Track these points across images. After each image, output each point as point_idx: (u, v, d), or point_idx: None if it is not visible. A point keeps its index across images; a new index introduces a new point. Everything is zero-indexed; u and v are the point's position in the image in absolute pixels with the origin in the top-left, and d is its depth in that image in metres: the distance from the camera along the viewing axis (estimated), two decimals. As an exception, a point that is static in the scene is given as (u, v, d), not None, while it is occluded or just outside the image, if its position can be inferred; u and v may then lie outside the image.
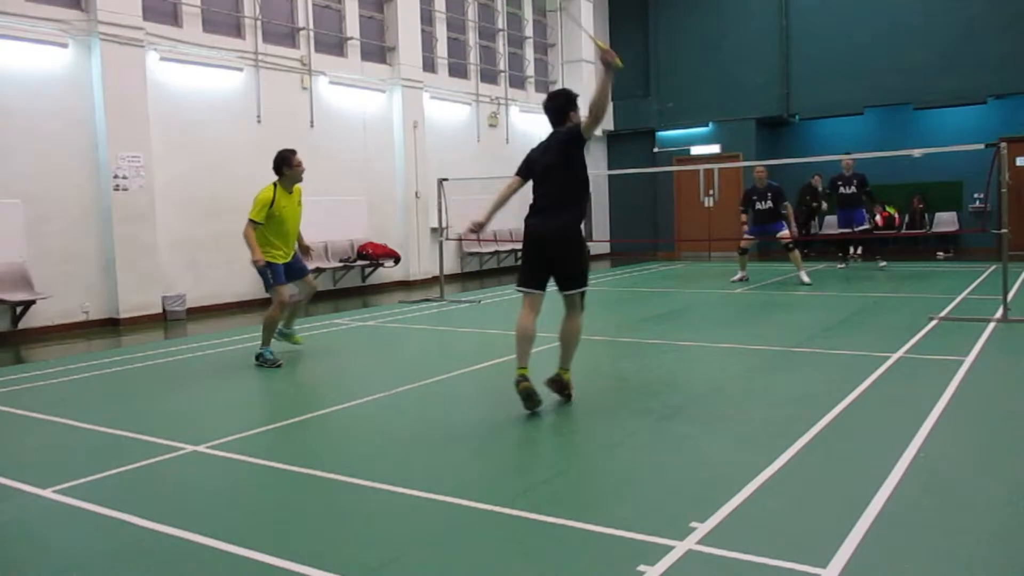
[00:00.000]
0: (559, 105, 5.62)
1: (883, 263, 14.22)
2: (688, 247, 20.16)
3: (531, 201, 5.58)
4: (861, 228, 14.14)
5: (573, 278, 5.49)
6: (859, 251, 15.34)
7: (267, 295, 7.66)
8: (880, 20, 17.60)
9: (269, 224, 7.27)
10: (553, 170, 5.50)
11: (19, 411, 5.90)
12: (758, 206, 12.62)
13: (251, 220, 7.23)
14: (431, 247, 15.10)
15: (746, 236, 13.05)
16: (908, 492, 3.67)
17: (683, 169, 19.21)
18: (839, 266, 14.72)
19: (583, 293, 5.61)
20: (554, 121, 5.65)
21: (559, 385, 5.56)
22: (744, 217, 13.10)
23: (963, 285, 11.39)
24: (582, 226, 5.66)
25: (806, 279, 12.22)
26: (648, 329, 8.59)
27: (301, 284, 7.79)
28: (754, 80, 19.11)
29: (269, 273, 7.33)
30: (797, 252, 12.59)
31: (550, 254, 5.43)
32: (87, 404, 6.26)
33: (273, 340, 7.55)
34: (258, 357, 7.40)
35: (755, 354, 7.15)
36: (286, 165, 7.33)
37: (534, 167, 5.61)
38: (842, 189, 14.06)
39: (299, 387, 6.79)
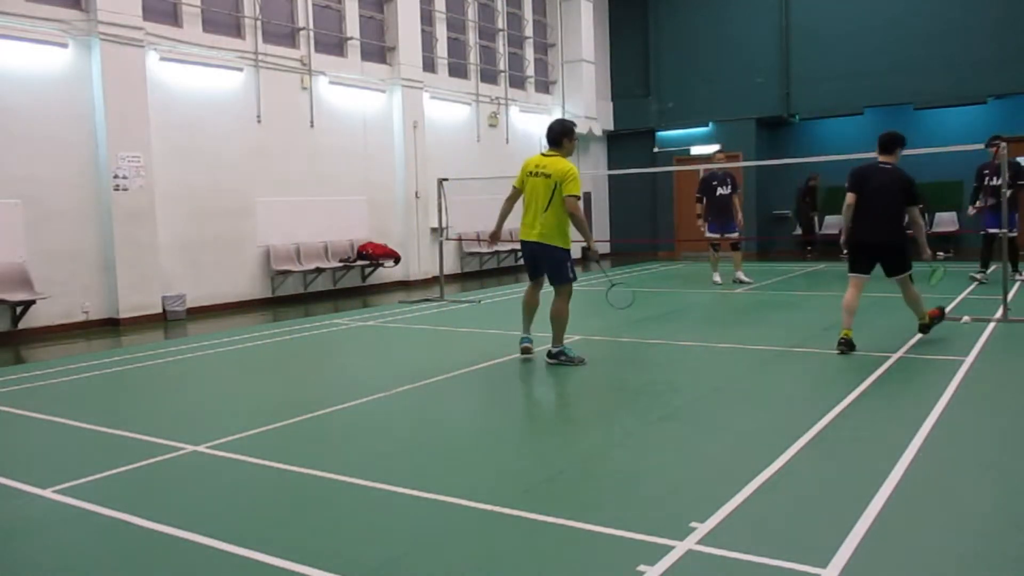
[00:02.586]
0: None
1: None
2: (688, 247, 20.15)
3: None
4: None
5: None
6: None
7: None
8: (880, 20, 17.60)
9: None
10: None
11: (19, 411, 5.89)
12: (719, 191, 12.53)
13: (576, 196, 6.59)
14: (431, 247, 15.09)
15: (708, 235, 12.77)
16: (908, 492, 3.67)
17: (683, 169, 19.20)
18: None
19: None
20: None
21: None
22: (699, 208, 12.79)
23: (963, 285, 11.38)
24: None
25: (745, 278, 12.63)
26: (648, 329, 8.59)
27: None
28: (754, 80, 19.12)
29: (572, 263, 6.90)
30: (741, 253, 13.09)
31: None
32: (87, 404, 6.26)
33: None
34: (557, 355, 6.86)
35: (755, 354, 7.15)
36: (568, 138, 6.87)
37: None
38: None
39: (299, 387, 6.79)
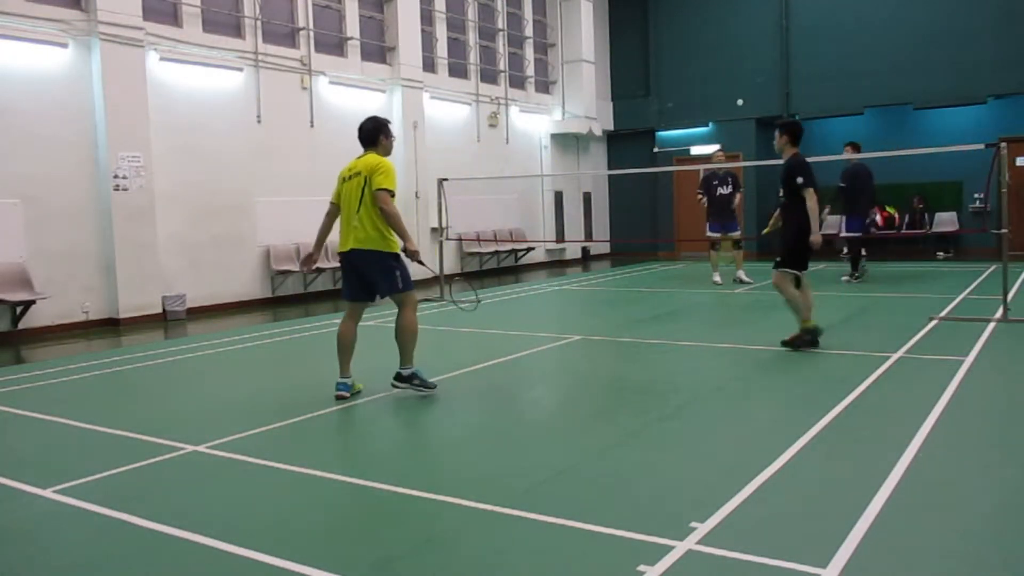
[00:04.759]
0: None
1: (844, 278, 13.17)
2: (688, 247, 20.15)
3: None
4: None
5: None
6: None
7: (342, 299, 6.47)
8: (880, 20, 17.60)
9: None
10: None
11: (19, 411, 5.90)
12: (720, 191, 12.59)
13: (388, 190, 5.70)
14: (431, 247, 15.08)
15: (709, 234, 12.90)
16: (908, 492, 3.67)
17: (683, 169, 19.20)
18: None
19: None
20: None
21: None
22: (701, 198, 12.82)
23: (963, 285, 11.39)
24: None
25: (745, 278, 12.66)
26: (648, 329, 8.59)
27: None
28: (754, 80, 19.12)
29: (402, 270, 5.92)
30: (742, 252, 13.12)
31: None
32: (87, 404, 6.27)
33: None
34: (409, 379, 5.95)
35: (755, 354, 7.15)
36: (384, 134, 6.03)
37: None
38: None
39: (299, 387, 6.78)
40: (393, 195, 5.72)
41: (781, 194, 7.37)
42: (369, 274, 5.88)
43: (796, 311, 7.19)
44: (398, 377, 5.95)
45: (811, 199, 7.03)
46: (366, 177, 5.78)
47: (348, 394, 5.95)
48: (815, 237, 7.02)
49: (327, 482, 4.13)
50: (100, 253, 10.63)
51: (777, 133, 7.42)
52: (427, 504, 3.75)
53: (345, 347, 6.05)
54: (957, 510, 3.50)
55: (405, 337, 5.92)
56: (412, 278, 5.96)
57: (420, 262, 5.94)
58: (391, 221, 5.73)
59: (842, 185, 12.33)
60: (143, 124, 10.88)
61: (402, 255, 5.86)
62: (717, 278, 12.87)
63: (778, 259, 7.22)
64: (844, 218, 12.59)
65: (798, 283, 7.20)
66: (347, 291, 6.14)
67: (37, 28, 9.95)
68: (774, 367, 6.64)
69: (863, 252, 12.71)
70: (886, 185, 17.81)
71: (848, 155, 12.09)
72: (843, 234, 12.76)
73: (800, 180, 7.05)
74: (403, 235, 5.78)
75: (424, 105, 15.40)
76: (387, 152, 6.04)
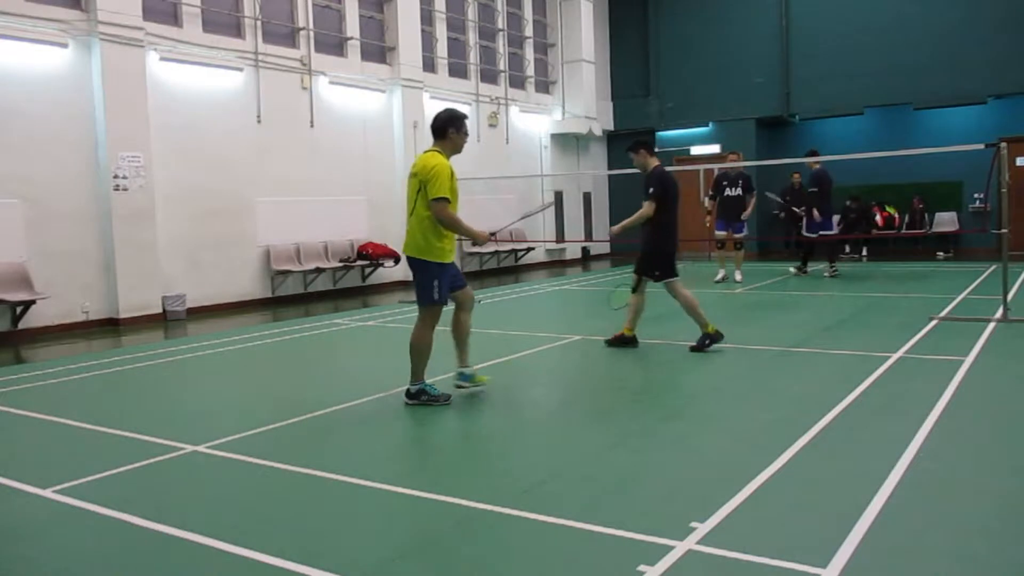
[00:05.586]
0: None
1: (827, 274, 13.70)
2: (688, 247, 20.13)
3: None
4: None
5: None
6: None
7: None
8: (880, 20, 17.61)
9: (454, 204, 5.54)
10: None
11: (19, 411, 5.90)
12: (727, 192, 12.79)
13: (442, 199, 5.40)
14: (431, 247, 15.07)
15: (716, 232, 13.20)
16: (908, 492, 3.67)
17: (683, 169, 19.19)
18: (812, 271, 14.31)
19: None
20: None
21: None
22: (710, 205, 13.19)
23: (963, 285, 11.39)
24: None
25: (739, 278, 12.81)
26: (648, 329, 8.58)
27: (461, 296, 5.87)
28: (754, 80, 19.12)
29: (439, 282, 5.59)
30: (743, 253, 13.31)
31: None
32: (87, 404, 6.26)
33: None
34: (417, 395, 5.67)
35: (755, 354, 7.15)
36: (454, 128, 5.67)
37: None
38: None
39: (299, 387, 6.78)
40: (449, 201, 5.43)
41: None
42: (415, 280, 5.71)
43: (694, 315, 7.48)
44: (407, 394, 5.74)
45: (647, 209, 7.54)
46: (421, 182, 5.48)
47: (468, 385, 5.86)
48: (616, 228, 7.67)
49: (327, 482, 4.13)
50: (100, 253, 10.63)
51: (634, 154, 7.79)
52: (427, 504, 3.75)
53: (457, 337, 5.84)
54: (957, 510, 3.50)
55: (415, 351, 5.68)
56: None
57: (492, 237, 5.71)
58: (450, 227, 5.49)
59: (813, 190, 13.30)
60: (143, 124, 10.88)
61: (449, 264, 5.63)
62: (721, 276, 13.02)
63: (656, 273, 7.57)
64: (817, 219, 13.35)
65: (637, 287, 7.60)
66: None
67: (37, 28, 9.95)
68: (774, 367, 6.64)
69: (846, 249, 13.35)
70: (886, 185, 17.86)
71: (814, 161, 12.93)
72: (806, 233, 13.60)
73: (651, 191, 7.50)
74: (468, 234, 5.53)
75: (424, 105, 15.39)
76: (456, 148, 5.70)
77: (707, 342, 7.33)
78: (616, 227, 7.67)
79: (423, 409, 5.60)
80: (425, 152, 5.68)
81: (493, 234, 5.72)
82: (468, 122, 5.85)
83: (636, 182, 22.94)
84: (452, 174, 5.51)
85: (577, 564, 3.11)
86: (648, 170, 7.70)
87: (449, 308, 5.77)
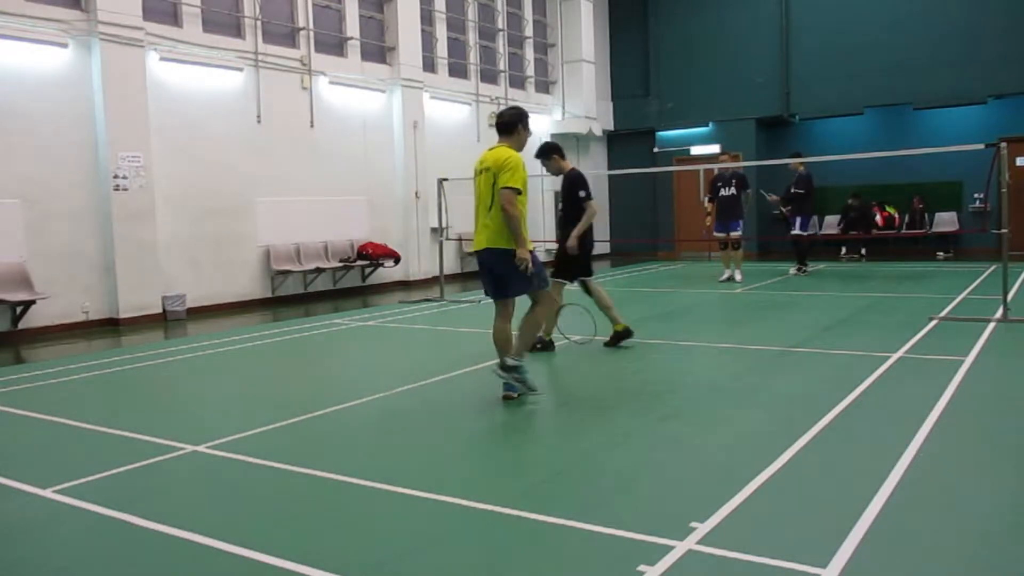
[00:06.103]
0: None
1: (799, 271, 14.08)
2: (688, 247, 20.15)
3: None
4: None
5: None
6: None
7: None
8: (880, 20, 17.60)
9: (524, 198, 5.58)
10: None
11: (19, 411, 5.90)
12: (722, 192, 12.95)
13: (514, 189, 5.45)
14: (431, 247, 15.09)
15: (715, 233, 13.32)
16: (908, 492, 3.67)
17: (683, 169, 19.21)
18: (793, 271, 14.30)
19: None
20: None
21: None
22: (709, 206, 13.42)
23: (963, 285, 11.39)
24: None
25: (738, 278, 12.91)
26: (648, 329, 8.58)
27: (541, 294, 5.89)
28: (754, 80, 19.12)
29: (535, 267, 5.60)
30: (741, 252, 13.41)
31: None
32: (87, 404, 6.26)
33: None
34: (513, 369, 5.63)
35: (755, 354, 7.15)
36: (523, 125, 5.82)
37: None
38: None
39: (299, 387, 6.79)
40: (520, 193, 5.50)
41: (561, 208, 7.82)
42: (503, 274, 5.68)
43: (607, 311, 7.62)
44: (502, 366, 5.65)
45: (593, 209, 7.48)
46: (495, 174, 5.56)
47: (514, 393, 5.81)
48: (571, 242, 7.43)
49: (327, 482, 4.13)
50: (100, 253, 10.63)
51: (546, 160, 7.74)
52: (427, 504, 3.75)
53: (501, 346, 5.81)
54: (957, 510, 3.50)
55: (528, 329, 5.73)
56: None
57: (525, 266, 5.50)
58: (511, 223, 5.47)
59: (801, 191, 13.77)
60: (143, 124, 10.88)
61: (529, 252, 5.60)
62: (724, 276, 13.10)
63: (578, 276, 7.66)
64: (799, 219, 13.90)
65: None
66: (487, 290, 5.93)
67: (37, 28, 9.95)
68: (774, 367, 6.64)
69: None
70: (886, 185, 17.85)
71: (799, 162, 13.40)
72: (795, 231, 14.08)
73: (582, 194, 7.47)
74: (517, 237, 5.49)
75: (424, 105, 15.41)
76: (521, 145, 5.82)
77: (617, 340, 7.63)
78: (572, 242, 7.41)
79: (422, 409, 5.60)
80: (492, 148, 5.80)
81: (532, 251, 5.65)
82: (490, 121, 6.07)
83: (636, 182, 22.91)
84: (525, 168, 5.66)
85: (577, 564, 3.11)
86: (564, 173, 7.66)
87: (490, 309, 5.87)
